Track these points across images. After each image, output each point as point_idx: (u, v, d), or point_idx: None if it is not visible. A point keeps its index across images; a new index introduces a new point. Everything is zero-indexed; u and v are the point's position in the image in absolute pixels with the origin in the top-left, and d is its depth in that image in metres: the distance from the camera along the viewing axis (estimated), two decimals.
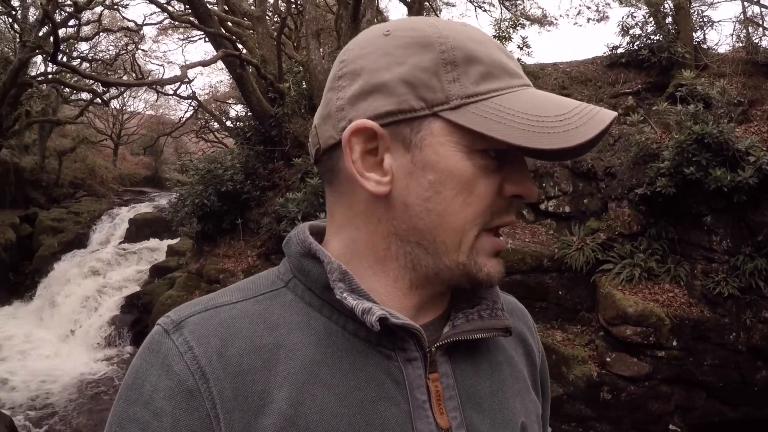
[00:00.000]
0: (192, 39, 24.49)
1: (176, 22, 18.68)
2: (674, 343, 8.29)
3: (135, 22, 22.36)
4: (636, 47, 11.80)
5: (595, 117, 0.74)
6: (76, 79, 17.81)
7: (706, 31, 12.33)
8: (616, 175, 9.71)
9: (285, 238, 0.89)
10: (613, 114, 0.75)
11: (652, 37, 11.83)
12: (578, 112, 0.75)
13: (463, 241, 0.78)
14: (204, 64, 12.70)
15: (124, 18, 22.84)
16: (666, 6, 12.22)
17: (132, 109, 32.04)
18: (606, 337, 8.62)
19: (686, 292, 8.62)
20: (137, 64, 24.35)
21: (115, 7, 19.68)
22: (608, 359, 8.40)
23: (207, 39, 13.66)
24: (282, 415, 0.72)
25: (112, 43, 24.15)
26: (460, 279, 0.80)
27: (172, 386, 0.73)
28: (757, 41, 11.68)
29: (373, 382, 0.77)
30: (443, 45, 0.76)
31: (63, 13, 17.78)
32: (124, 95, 28.20)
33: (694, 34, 11.84)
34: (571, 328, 9.05)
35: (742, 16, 12.54)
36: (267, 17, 14.87)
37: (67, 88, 21.15)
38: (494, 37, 9.85)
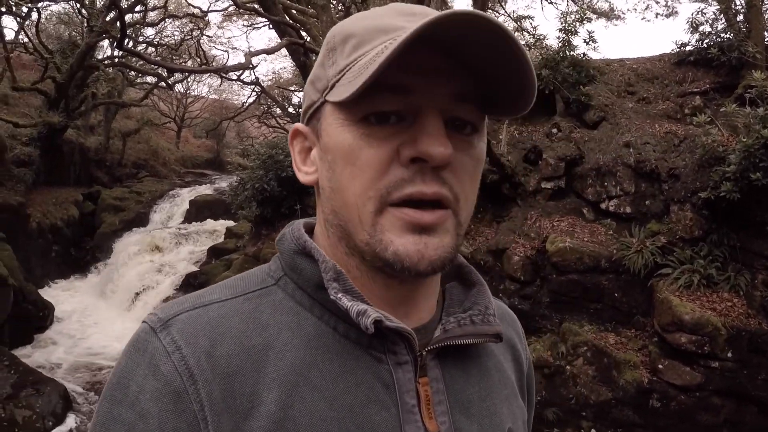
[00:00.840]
0: (256, 26, 24.83)
1: (241, 10, 18.93)
2: (729, 355, 8.01)
3: (200, 9, 22.86)
4: (705, 45, 11.40)
5: (395, 43, 0.67)
6: (141, 63, 18.28)
7: None
8: (680, 177, 9.43)
9: (278, 235, 0.88)
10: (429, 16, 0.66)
11: (722, 35, 11.40)
12: (390, 46, 0.68)
13: (361, 218, 0.75)
14: (268, 51, 12.85)
15: (189, 4, 23.38)
16: (737, 2, 11.77)
17: (196, 93, 32.84)
18: (660, 344, 8.43)
19: (745, 302, 8.32)
20: (202, 49, 24.83)
21: None
22: (660, 366, 8.22)
23: (271, 26, 13.81)
24: (271, 418, 0.71)
25: (178, 29, 24.79)
26: (374, 259, 0.76)
27: (159, 387, 0.71)
28: None
29: (362, 386, 0.76)
30: (330, 38, 0.81)
31: None
32: (188, 80, 28.83)
33: (766, 33, 11.37)
34: (625, 331, 8.88)
35: None
36: (332, 5, 14.94)
37: (132, 72, 21.76)
38: (559, 30, 9.61)
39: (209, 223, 18.05)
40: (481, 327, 0.84)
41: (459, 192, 0.76)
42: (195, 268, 14.92)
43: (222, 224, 17.42)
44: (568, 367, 8.42)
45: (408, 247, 0.73)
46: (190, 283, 14.08)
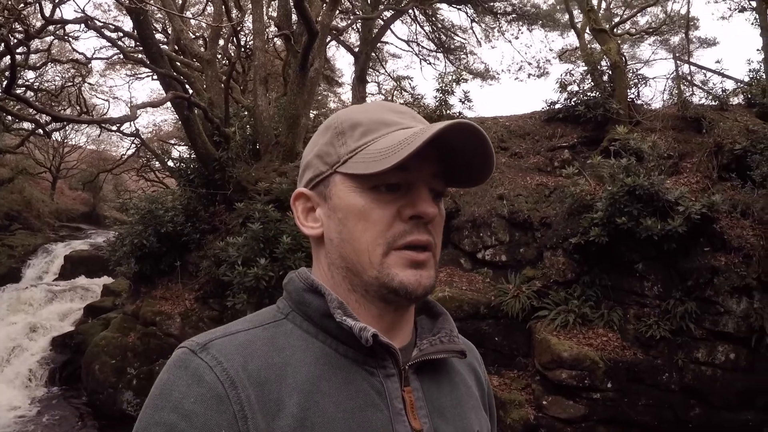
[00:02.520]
0: (139, 76, 24.25)
1: (125, 60, 18.53)
2: (609, 385, 8.58)
3: (84, 55, 22.01)
4: (573, 103, 12.34)
5: (416, 140, 0.92)
6: (19, 107, 17.34)
7: (640, 88, 13.02)
8: (552, 225, 10.07)
9: (285, 277, 1.09)
10: (431, 131, 0.91)
11: (588, 93, 12.39)
12: (408, 140, 0.94)
13: (371, 259, 0.98)
14: (154, 105, 12.64)
15: (74, 50, 22.50)
16: (603, 64, 12.87)
17: (73, 143, 31.30)
18: (542, 381, 8.84)
19: (619, 336, 8.95)
20: (83, 97, 23.86)
21: (66, 38, 19.38)
22: (545, 402, 8.61)
23: (155, 77, 13.61)
24: (294, 417, 0.89)
25: (59, 74, 23.74)
26: (380, 289, 0.99)
27: (203, 392, 0.87)
28: (687, 97, 12.41)
29: (361, 393, 0.95)
30: (337, 124, 1.04)
31: (13, 39, 17.37)
32: (67, 128, 27.52)
33: (628, 91, 12.49)
34: (508, 373, 9.24)
35: (674, 74, 13.34)
36: (217, 60, 14.94)
37: (9, 117, 20.55)
38: (437, 90, 10.12)
39: (85, 280, 17.17)
40: (448, 345, 1.08)
41: (436, 239, 1.03)
42: (70, 328, 14.11)
43: (99, 281, 16.60)
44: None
45: (410, 278, 0.98)
46: (66, 344, 13.26)
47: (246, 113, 12.36)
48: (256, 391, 0.89)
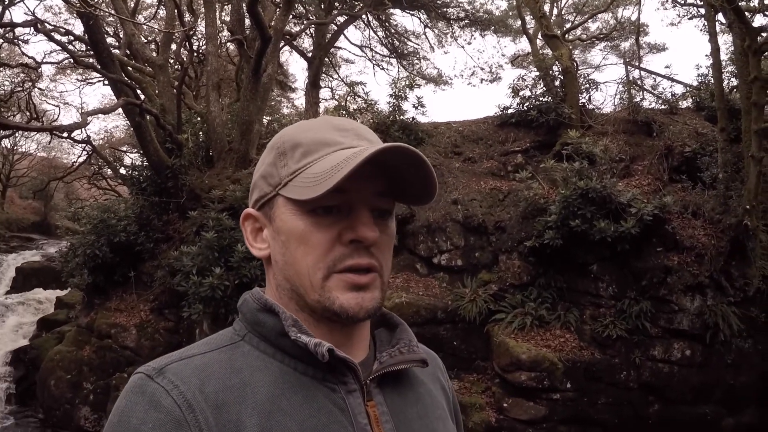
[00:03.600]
0: (90, 81, 23.69)
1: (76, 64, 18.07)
2: (568, 385, 8.70)
3: (34, 59, 21.31)
4: (525, 108, 12.46)
5: (347, 164, 0.91)
6: None
7: (591, 93, 13.26)
8: (506, 229, 10.16)
9: (240, 299, 1.07)
10: (364, 154, 0.91)
11: (541, 98, 12.54)
12: (341, 164, 0.93)
13: (312, 283, 0.98)
14: (104, 111, 12.40)
15: (23, 53, 21.85)
16: (555, 70, 13.04)
17: (23, 150, 30.45)
18: (502, 384, 8.90)
19: (577, 337, 9.07)
20: (33, 102, 23.21)
21: (16, 41, 18.82)
22: (505, 405, 8.68)
23: (106, 83, 13.33)
24: None
25: (8, 78, 23.03)
26: (324, 312, 0.99)
27: (161, 417, 0.86)
28: (638, 102, 12.68)
29: (323, 410, 0.94)
30: (279, 143, 1.04)
31: None
32: (17, 135, 26.77)
33: (580, 95, 12.70)
34: (468, 376, 9.28)
35: (625, 79, 13.62)
36: (169, 65, 14.69)
37: None
38: (390, 95, 10.12)
39: (38, 293, 16.67)
40: (408, 355, 1.07)
41: (382, 261, 1.01)
42: (25, 342, 13.71)
43: (52, 294, 16.16)
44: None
45: (350, 301, 0.96)
46: (20, 359, 12.91)
47: (199, 119, 12.18)
48: (214, 414, 0.88)
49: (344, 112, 12.29)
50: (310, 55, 13.52)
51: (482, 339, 9.41)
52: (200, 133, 11.81)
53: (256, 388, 0.93)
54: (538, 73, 13.05)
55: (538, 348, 8.74)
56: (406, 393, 1.07)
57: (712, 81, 11.66)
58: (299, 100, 23.83)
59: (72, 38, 16.10)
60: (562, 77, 12.71)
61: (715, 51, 10.90)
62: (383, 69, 19.13)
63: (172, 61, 15.89)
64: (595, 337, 9.09)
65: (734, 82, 12.48)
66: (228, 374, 0.93)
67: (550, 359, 8.61)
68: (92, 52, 12.44)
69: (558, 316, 9.19)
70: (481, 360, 9.39)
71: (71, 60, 16.99)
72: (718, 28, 12.17)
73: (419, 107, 12.54)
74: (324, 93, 21.64)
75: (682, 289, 9.24)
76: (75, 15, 15.11)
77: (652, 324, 9.12)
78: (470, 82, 41.28)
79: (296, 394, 0.94)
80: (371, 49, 19.79)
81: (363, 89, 17.84)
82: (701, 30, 15.92)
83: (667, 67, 17.04)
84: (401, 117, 12.06)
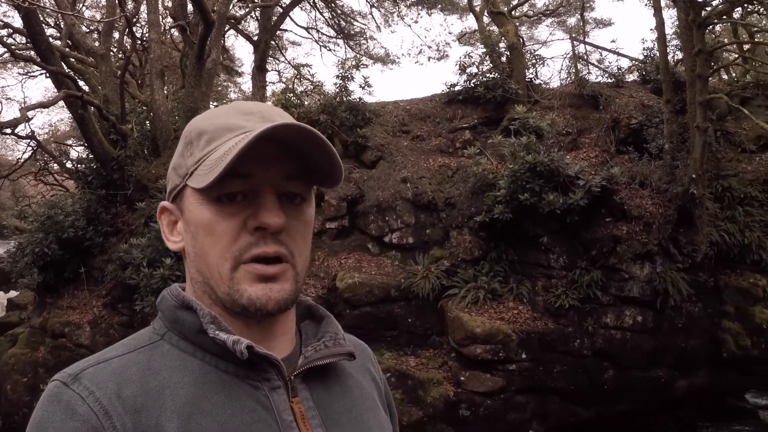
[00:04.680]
0: (33, 74, 22.96)
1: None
2: (523, 356, 8.84)
3: None
4: (473, 84, 12.51)
5: (239, 146, 0.89)
6: None
7: (538, 68, 13.40)
8: (456, 205, 10.22)
9: (159, 296, 1.04)
10: (249, 137, 0.88)
11: (487, 75, 12.59)
12: (234, 149, 0.90)
13: (221, 275, 0.95)
14: (44, 105, 12.03)
15: None
16: (501, 46, 13.10)
17: None
18: (458, 358, 8.99)
19: (530, 308, 9.21)
20: None
21: None
22: (462, 378, 8.77)
23: (48, 75, 12.97)
24: None
25: None
26: (233, 306, 0.96)
27: (78, 426, 0.83)
28: (584, 76, 12.83)
29: (246, 409, 0.91)
30: (187, 133, 1.01)
31: None
32: None
33: (527, 71, 12.82)
34: (424, 352, 9.32)
35: (571, 54, 13.75)
36: (111, 54, 14.35)
37: None
38: (337, 77, 10.04)
39: None
40: (334, 349, 1.05)
41: (294, 249, 0.97)
42: None
43: (2, 296, 15.78)
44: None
45: (257, 293, 0.94)
46: None
47: (143, 108, 11.93)
48: (132, 419, 0.85)
49: (291, 95, 12.14)
50: (255, 38, 13.35)
51: (437, 315, 9.48)
52: (146, 122, 11.58)
53: (176, 389, 0.90)
54: (484, 50, 13.10)
55: (492, 321, 8.83)
56: (333, 387, 1.06)
57: (658, 54, 11.85)
58: (246, 84, 23.59)
59: (11, 31, 15.64)
60: (508, 53, 12.81)
61: (660, 25, 11.09)
62: (330, 50, 19.06)
63: (115, 50, 15.54)
64: (548, 307, 9.23)
65: (679, 55, 12.74)
66: (146, 377, 0.91)
67: (505, 331, 8.71)
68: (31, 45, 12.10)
69: (510, 289, 9.29)
70: (436, 335, 9.47)
71: (11, 56, 16.48)
72: (663, 3, 12.41)
73: (366, 87, 12.54)
74: (271, 76, 21.43)
75: (631, 257, 9.42)
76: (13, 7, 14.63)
77: (604, 292, 9.30)
78: (417, 61, 41.33)
79: (218, 394, 0.91)
80: (317, 31, 19.63)
81: (309, 71, 17.81)
82: (646, 5, 16.19)
83: (613, 41, 17.41)
84: (348, 98, 11.98)
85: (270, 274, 0.94)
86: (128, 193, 10.93)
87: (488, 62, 12.84)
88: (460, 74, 12.87)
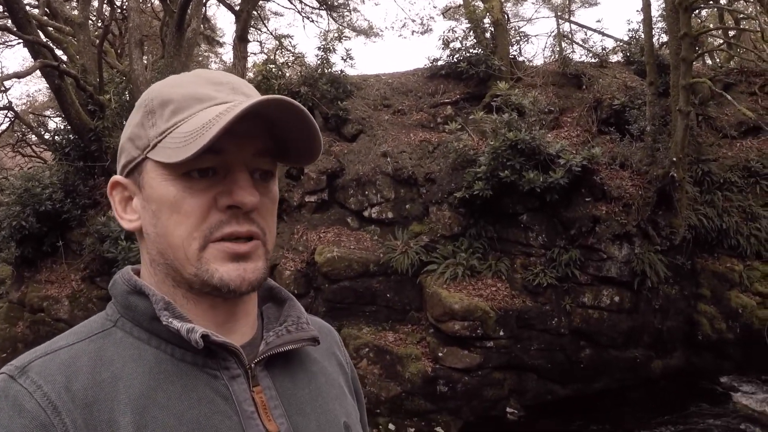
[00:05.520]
0: (10, 44, 22.57)
1: None
2: (501, 333, 8.89)
3: None
4: (456, 60, 12.43)
5: (220, 121, 0.83)
6: None
7: (522, 46, 13.34)
8: (436, 180, 10.20)
9: (111, 280, 0.98)
10: (234, 112, 0.82)
11: (471, 50, 12.52)
12: (213, 121, 0.84)
13: (188, 255, 0.89)
14: (20, 75, 11.80)
15: None
16: (485, 22, 13.03)
17: None
18: (436, 334, 9.01)
19: (508, 285, 9.24)
20: None
21: None
22: (440, 354, 8.80)
23: (25, 45, 12.73)
24: None
25: None
26: (203, 287, 0.90)
27: (26, 423, 0.78)
28: (568, 55, 12.82)
29: (204, 400, 0.86)
30: (147, 101, 0.93)
31: None
32: None
33: (510, 48, 12.76)
34: (402, 328, 9.35)
35: (556, 32, 13.72)
36: (90, 22, 14.09)
37: None
38: (319, 48, 9.92)
39: None
40: (297, 334, 0.99)
41: (264, 227, 0.93)
42: None
43: None
44: (355, 370, 8.62)
45: (231, 273, 0.88)
46: None
47: (122, 79, 11.74)
48: (83, 414, 0.80)
49: (273, 66, 11.98)
50: (237, 8, 13.12)
51: (415, 290, 9.50)
52: (124, 93, 11.40)
53: (130, 380, 0.84)
54: (469, 25, 13.04)
55: (470, 298, 8.85)
56: (297, 374, 1.00)
57: (643, 36, 11.87)
58: (227, 54, 23.27)
59: None
60: (492, 29, 12.75)
61: (647, 7, 11.10)
62: (313, 21, 18.84)
63: (93, 18, 15.25)
64: (526, 285, 9.27)
65: (664, 37, 12.77)
66: (98, 368, 0.85)
67: (483, 308, 8.73)
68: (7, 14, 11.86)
69: (489, 266, 9.31)
70: (415, 311, 9.49)
71: None
72: None
73: (348, 60, 12.48)
74: (253, 47, 21.13)
75: (610, 237, 9.47)
76: None
77: (582, 272, 9.36)
78: (401, 34, 41.46)
79: (174, 384, 0.86)
80: (300, 1, 19.33)
81: (291, 42, 17.60)
82: None
83: (598, 21, 17.36)
84: (329, 70, 11.86)
85: (242, 252, 0.90)
86: (106, 164, 10.81)
87: (472, 38, 12.80)
88: (443, 49, 12.82)
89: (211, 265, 0.88)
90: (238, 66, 11.69)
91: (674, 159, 9.48)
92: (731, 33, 15.08)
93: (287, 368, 0.99)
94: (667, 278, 9.64)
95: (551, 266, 9.26)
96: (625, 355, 9.59)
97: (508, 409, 8.95)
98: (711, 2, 12.02)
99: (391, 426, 8.40)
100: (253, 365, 0.93)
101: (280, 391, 0.95)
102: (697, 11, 12.65)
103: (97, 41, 11.88)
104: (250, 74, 13.25)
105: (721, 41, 15.16)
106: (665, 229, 9.78)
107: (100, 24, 14.93)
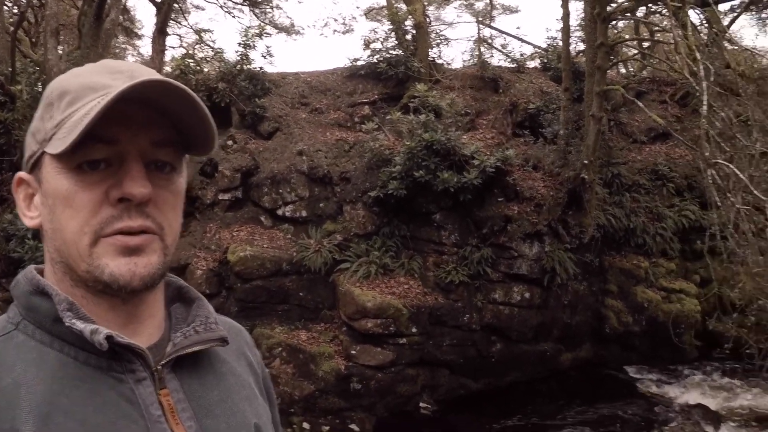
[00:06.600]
0: None
1: None
2: (414, 330, 9.07)
3: None
4: (376, 60, 12.54)
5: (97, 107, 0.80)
6: None
7: (442, 49, 13.57)
8: (351, 179, 10.32)
9: (13, 281, 0.94)
10: (109, 96, 0.80)
11: (391, 51, 12.66)
12: (95, 109, 0.81)
13: (79, 251, 0.85)
14: None
15: None
16: (408, 24, 13.20)
17: None
18: (349, 332, 9.12)
19: (421, 283, 9.43)
20: None
21: None
22: (353, 352, 8.91)
23: None
24: None
25: None
26: (95, 284, 0.87)
27: None
28: (487, 59, 13.11)
29: (109, 405, 0.82)
30: (49, 93, 0.90)
31: None
32: None
33: (430, 50, 12.97)
34: (315, 326, 9.42)
35: (476, 37, 14.02)
36: (6, 8, 13.56)
37: None
38: (239, 44, 9.76)
39: None
40: (204, 335, 0.96)
41: (162, 221, 0.88)
42: None
43: None
44: (267, 370, 8.59)
45: (121, 268, 0.84)
46: None
47: (35, 69, 11.33)
48: None
49: (191, 61, 11.77)
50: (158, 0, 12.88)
51: (328, 289, 9.58)
52: (37, 83, 11.00)
53: (32, 386, 0.80)
54: (390, 27, 13.15)
55: (383, 295, 8.99)
56: (206, 375, 0.96)
57: (561, 44, 12.24)
58: (146, 47, 22.74)
59: None
60: (414, 32, 12.90)
61: (566, 16, 11.47)
62: (234, 17, 18.45)
63: (9, 4, 14.68)
64: (439, 282, 9.47)
65: (581, 46, 13.19)
66: None
67: (395, 306, 8.89)
68: None
69: (402, 264, 9.48)
70: (327, 309, 9.57)
71: None
72: None
73: (268, 57, 12.38)
74: (172, 40, 20.65)
75: (521, 236, 9.79)
76: None
77: (493, 269, 9.64)
78: (323, 33, 41.13)
79: (77, 389, 0.82)
80: None
81: (211, 37, 17.31)
82: None
83: (518, 28, 17.83)
84: (249, 66, 11.74)
85: (133, 246, 0.85)
86: (15, 159, 10.42)
87: (393, 39, 12.92)
88: (364, 49, 12.90)
89: (102, 260, 0.85)
90: (156, 59, 11.47)
91: (585, 162, 9.84)
92: (646, 44, 15.68)
93: (195, 370, 0.95)
94: (576, 275, 10.02)
95: (463, 264, 9.50)
96: (536, 348, 9.94)
97: (422, 405, 9.15)
98: (628, 14, 12.47)
99: (305, 425, 8.41)
100: (159, 367, 0.89)
101: (188, 394, 0.91)
102: (614, 22, 13.15)
103: (11, 28, 11.47)
104: (168, 68, 12.98)
105: (636, 51, 15.73)
106: (575, 228, 10.16)
107: (15, 10, 14.39)
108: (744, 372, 9.28)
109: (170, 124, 0.88)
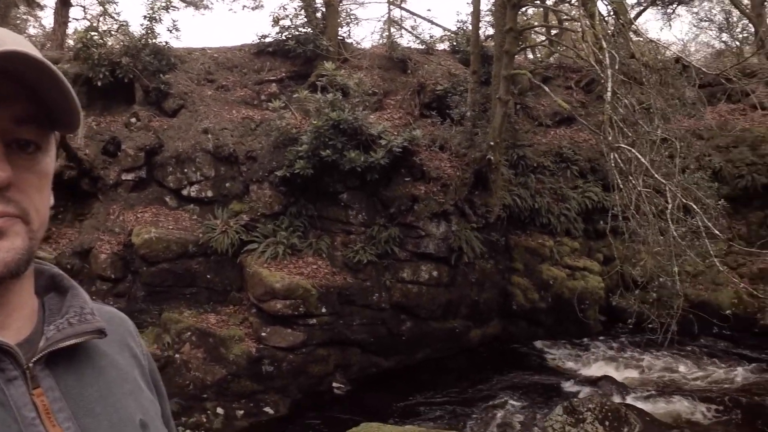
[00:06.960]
0: None
1: None
2: (323, 310, 9.07)
3: None
4: (284, 37, 12.39)
5: None
6: None
7: (352, 28, 13.57)
8: (257, 158, 10.17)
9: None
10: None
11: (300, 29, 12.54)
12: None
13: None
14: None
15: None
16: (318, 1, 13.12)
17: None
18: (259, 314, 9.03)
19: (329, 263, 9.43)
20: None
21: None
22: (264, 334, 8.82)
23: None
24: None
25: None
26: None
27: None
28: (396, 40, 13.20)
29: None
30: None
31: None
32: None
33: (340, 29, 12.94)
34: (224, 309, 9.26)
35: (386, 17, 14.08)
36: None
37: None
38: (144, 17, 9.34)
39: None
40: (79, 327, 0.87)
41: (27, 206, 0.80)
42: None
43: None
44: (177, 355, 8.41)
45: None
46: None
47: None
48: None
49: (95, 34, 11.20)
50: None
51: (236, 270, 9.45)
52: None
53: None
54: (300, 4, 13.02)
55: (291, 276, 8.94)
56: (83, 370, 0.88)
57: (470, 27, 12.43)
58: (48, 19, 21.63)
59: None
60: (324, 10, 12.82)
61: (476, 1, 11.63)
62: None
63: None
64: (347, 262, 9.51)
65: (490, 30, 13.49)
66: None
67: (304, 286, 8.86)
68: None
69: (310, 244, 9.46)
70: (236, 291, 9.44)
71: None
72: None
73: (174, 31, 12.05)
74: (75, 12, 19.76)
75: (428, 216, 9.93)
76: None
77: (401, 248, 9.75)
78: (231, 8, 40.57)
79: None
80: None
81: (116, 9, 16.56)
82: None
83: (429, 10, 17.97)
84: (154, 41, 11.35)
85: None
86: None
87: (303, 16, 12.79)
88: (273, 26, 12.70)
89: None
90: (58, 32, 10.93)
91: (492, 143, 10.06)
92: (554, 31, 16.16)
93: (72, 365, 0.87)
94: (482, 254, 10.27)
95: (371, 243, 9.57)
96: (445, 326, 10.14)
97: (335, 384, 9.18)
98: (537, 1, 12.80)
99: (219, 410, 8.25)
100: (31, 365, 0.81)
101: (65, 392, 0.83)
102: (524, 9, 13.48)
103: None
104: (70, 41, 12.37)
105: (544, 38, 16.20)
106: (481, 208, 10.40)
107: None
108: (646, 345, 9.71)
109: (33, 99, 0.80)
